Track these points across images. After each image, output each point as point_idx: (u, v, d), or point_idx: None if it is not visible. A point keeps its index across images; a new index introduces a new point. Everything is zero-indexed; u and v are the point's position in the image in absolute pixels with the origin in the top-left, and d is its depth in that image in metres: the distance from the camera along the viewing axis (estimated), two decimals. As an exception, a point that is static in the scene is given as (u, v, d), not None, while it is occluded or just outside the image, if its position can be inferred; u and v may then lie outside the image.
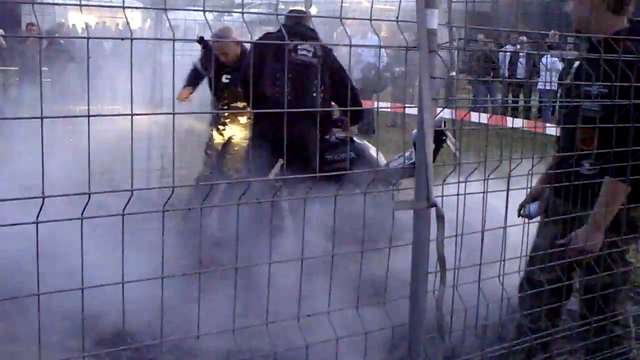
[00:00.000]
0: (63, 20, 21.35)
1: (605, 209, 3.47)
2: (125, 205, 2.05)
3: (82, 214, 2.00)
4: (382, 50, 12.76)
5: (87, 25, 2.86)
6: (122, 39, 1.99)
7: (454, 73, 2.46)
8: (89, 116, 1.99)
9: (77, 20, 22.87)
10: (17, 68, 16.24)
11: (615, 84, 3.26)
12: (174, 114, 2.14)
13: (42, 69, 15.95)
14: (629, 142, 3.32)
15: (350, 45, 2.56)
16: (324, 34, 17.78)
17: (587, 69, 3.49)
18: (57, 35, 15.93)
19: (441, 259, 2.49)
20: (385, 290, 2.65)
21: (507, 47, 13.15)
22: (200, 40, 6.24)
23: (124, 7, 2.04)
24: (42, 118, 1.91)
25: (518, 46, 13.37)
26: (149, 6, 11.69)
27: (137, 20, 22.51)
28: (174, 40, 2.05)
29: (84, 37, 2.07)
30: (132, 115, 2.04)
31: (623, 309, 3.76)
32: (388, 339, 2.70)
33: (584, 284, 3.66)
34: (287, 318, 2.58)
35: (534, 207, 4.10)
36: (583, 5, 3.60)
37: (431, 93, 2.43)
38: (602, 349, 3.64)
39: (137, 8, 12.53)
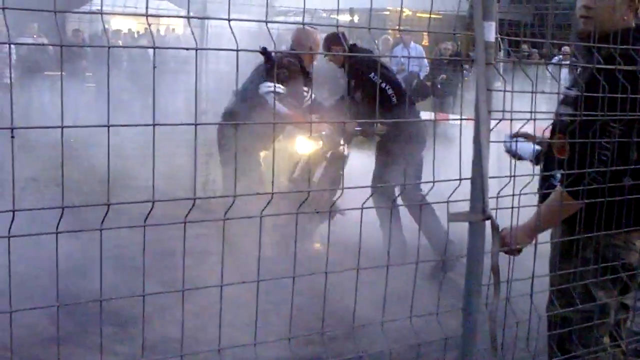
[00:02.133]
0: (107, 26, 21.58)
1: (543, 216, 3.09)
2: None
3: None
4: (425, 60, 12.76)
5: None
6: (187, 49, 2.02)
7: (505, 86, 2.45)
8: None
9: (121, 25, 23.14)
10: (63, 73, 16.44)
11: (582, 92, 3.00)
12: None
13: (87, 74, 16.19)
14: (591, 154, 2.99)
15: (409, 57, 2.57)
16: (367, 43, 17.81)
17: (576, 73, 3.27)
18: (77, 43, 16.06)
19: (495, 271, 2.49)
20: (438, 301, 2.65)
21: (556, 58, 12.95)
22: (264, 52, 6.10)
23: (188, 17, 2.07)
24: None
25: (560, 57, 13.23)
26: (192, 14, 11.79)
27: (179, 27, 22.71)
28: (237, 50, 2.07)
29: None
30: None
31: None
32: (441, 350, 2.69)
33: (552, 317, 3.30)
34: (339, 328, 2.60)
35: (526, 147, 3.59)
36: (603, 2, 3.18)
37: (488, 106, 2.43)
38: None
39: (183, 17, 12.63)
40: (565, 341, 3.27)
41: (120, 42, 19.95)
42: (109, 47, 2.11)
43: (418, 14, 21.78)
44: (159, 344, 4.48)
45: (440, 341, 2.64)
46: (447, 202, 2.49)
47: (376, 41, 15.94)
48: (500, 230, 2.78)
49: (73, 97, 13.55)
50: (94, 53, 15.84)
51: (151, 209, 2.03)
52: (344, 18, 23.00)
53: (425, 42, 17.94)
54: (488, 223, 2.48)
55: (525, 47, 14.62)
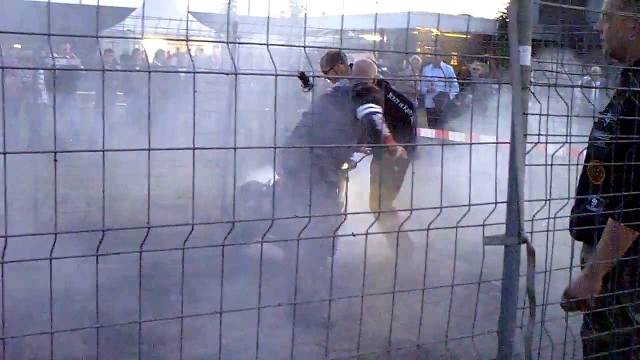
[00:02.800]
0: (137, 46, 21.79)
1: (604, 256, 3.06)
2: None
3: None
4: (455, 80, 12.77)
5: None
6: (227, 73, 2.05)
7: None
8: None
9: (152, 46, 23.34)
10: (94, 92, 16.64)
11: (620, 116, 2.96)
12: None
13: (118, 93, 16.35)
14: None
15: (446, 79, 2.58)
16: (396, 61, 17.85)
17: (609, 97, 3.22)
18: (79, 68, 16.22)
19: (531, 295, 2.49)
20: (473, 324, 2.65)
21: (584, 78, 12.82)
22: (302, 76, 6.18)
23: (228, 43, 2.10)
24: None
25: (588, 77, 13.11)
26: (224, 35, 11.85)
27: (208, 47, 22.87)
28: (275, 75, 2.10)
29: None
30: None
31: None
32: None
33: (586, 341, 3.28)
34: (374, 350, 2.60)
35: None
36: (618, 28, 3.19)
37: (523, 129, 2.44)
38: None
39: (210, 41, 12.71)
40: None
41: (153, 62, 20.09)
42: (149, 72, 2.14)
43: (446, 34, 21.82)
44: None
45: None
46: (483, 225, 2.49)
47: (405, 62, 15.99)
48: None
49: (105, 117, 13.68)
50: (126, 73, 16.00)
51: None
52: (374, 38, 23.10)
53: (454, 61, 17.95)
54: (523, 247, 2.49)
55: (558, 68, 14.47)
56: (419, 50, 19.99)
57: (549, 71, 2.98)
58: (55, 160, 1.99)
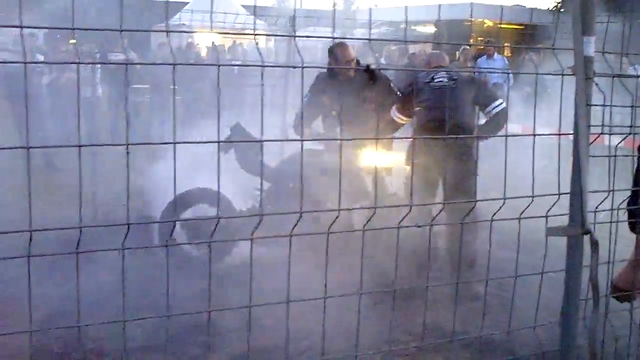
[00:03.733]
0: (190, 40, 21.97)
1: None
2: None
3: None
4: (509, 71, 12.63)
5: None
6: (294, 67, 2.09)
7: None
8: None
9: (204, 40, 23.49)
10: (147, 86, 16.80)
11: None
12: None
13: (174, 87, 16.49)
14: None
15: (508, 72, 2.59)
16: (448, 53, 17.70)
17: None
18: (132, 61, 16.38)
19: (595, 286, 2.48)
20: (536, 315, 2.65)
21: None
22: (367, 69, 6.23)
23: (254, 34, 2.13)
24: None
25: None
26: (278, 33, 11.90)
27: (261, 40, 22.96)
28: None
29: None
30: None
31: None
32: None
33: None
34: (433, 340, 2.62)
35: None
36: None
37: (587, 120, 2.43)
38: None
39: (267, 35, 12.77)
40: None
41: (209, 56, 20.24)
42: (218, 65, 2.19)
43: (499, 25, 21.61)
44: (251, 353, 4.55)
45: (537, 355, 2.64)
46: (546, 216, 2.49)
47: (457, 53, 15.89)
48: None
49: (159, 111, 13.88)
50: (180, 67, 16.12)
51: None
52: (427, 30, 23.01)
53: (508, 52, 17.81)
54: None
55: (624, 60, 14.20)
56: (471, 41, 19.85)
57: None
58: (128, 153, 2.05)
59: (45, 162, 11.10)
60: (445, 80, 6.23)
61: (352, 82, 6.64)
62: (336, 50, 6.65)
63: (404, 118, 6.52)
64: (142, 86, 16.76)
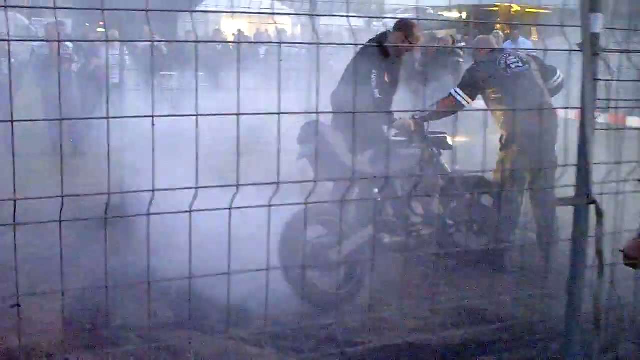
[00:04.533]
0: (217, 27, 22.10)
1: None
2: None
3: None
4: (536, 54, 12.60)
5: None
6: (310, 43, 2.20)
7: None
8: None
9: (231, 27, 23.59)
10: (175, 73, 16.96)
11: None
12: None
13: (199, 73, 16.67)
14: None
15: (520, 49, 2.68)
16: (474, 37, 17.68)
17: None
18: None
19: (600, 254, 2.58)
20: (540, 284, 2.76)
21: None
22: (380, 45, 6.16)
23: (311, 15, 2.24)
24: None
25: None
26: (298, 12, 11.96)
27: (288, 27, 23.04)
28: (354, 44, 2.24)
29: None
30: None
31: None
32: (545, 329, 2.80)
33: None
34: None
35: None
36: None
37: (593, 95, 2.52)
38: None
39: (287, 14, 12.88)
40: None
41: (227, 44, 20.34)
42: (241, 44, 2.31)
43: (527, 10, 21.52)
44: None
45: (545, 321, 2.75)
46: (553, 187, 2.59)
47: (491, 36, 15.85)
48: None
49: (186, 96, 14.01)
50: (206, 55, 16.26)
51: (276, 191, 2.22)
52: (453, 15, 22.96)
53: (535, 37, 17.75)
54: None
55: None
56: (498, 26, 19.80)
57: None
58: (153, 125, 2.18)
59: (73, 148, 11.25)
60: (521, 64, 6.32)
61: (403, 60, 6.70)
62: (409, 27, 6.63)
63: (469, 100, 6.49)
64: (169, 73, 16.92)
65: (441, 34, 16.58)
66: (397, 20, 6.68)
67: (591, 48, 2.51)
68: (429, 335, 3.47)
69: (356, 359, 3.62)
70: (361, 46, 6.24)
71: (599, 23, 2.52)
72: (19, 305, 2.09)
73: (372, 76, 6.28)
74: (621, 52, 2.66)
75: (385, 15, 19.92)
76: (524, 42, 13.78)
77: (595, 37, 2.53)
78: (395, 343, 3.44)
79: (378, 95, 6.02)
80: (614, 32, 2.76)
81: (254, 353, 4.09)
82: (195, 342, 3.89)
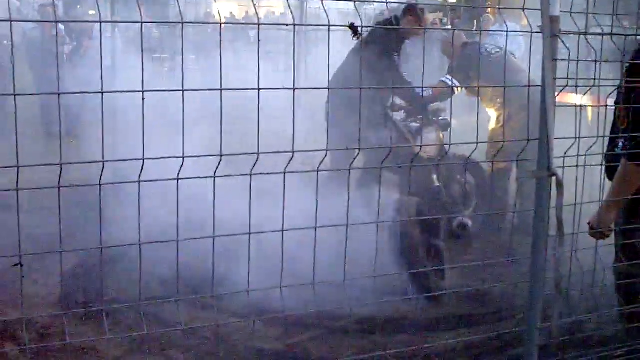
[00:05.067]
0: (209, 10, 22.20)
1: (615, 191, 3.40)
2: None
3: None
4: (521, 38, 12.79)
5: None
6: (287, 25, 2.37)
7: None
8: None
9: (221, 10, 23.69)
10: (167, 56, 17.09)
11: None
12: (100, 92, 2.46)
13: (191, 56, 16.81)
14: None
15: (481, 31, 2.87)
16: (464, 22, 17.88)
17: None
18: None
19: (560, 223, 2.77)
20: (508, 251, 2.95)
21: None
22: (352, 26, 6.26)
23: None
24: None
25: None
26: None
27: (279, 8, 23.14)
28: (329, 25, 2.42)
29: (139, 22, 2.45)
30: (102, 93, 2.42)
31: None
32: (510, 294, 3.00)
33: (617, 270, 3.59)
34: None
35: None
36: None
37: (553, 74, 2.71)
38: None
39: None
40: (631, 294, 3.53)
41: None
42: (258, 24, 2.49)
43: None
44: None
45: (509, 286, 2.95)
46: (517, 160, 2.78)
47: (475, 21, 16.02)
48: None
49: (178, 78, 14.12)
50: (197, 38, 16.38)
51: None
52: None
53: (525, 22, 17.79)
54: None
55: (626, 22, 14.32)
56: (489, 10, 19.92)
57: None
58: (143, 99, 2.37)
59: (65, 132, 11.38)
60: (498, 50, 6.54)
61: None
62: (419, 11, 6.83)
63: (458, 86, 6.67)
64: (162, 55, 17.04)
65: (429, 17, 16.74)
66: (405, 4, 6.87)
67: (550, 31, 2.69)
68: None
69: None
70: (369, 29, 6.40)
71: (557, 7, 2.70)
72: (21, 265, 2.28)
73: (395, 57, 6.44)
74: (580, 34, 2.85)
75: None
76: (512, 27, 13.94)
77: (554, 19, 2.71)
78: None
79: (408, 79, 6.22)
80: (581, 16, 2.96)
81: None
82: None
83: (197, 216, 3.33)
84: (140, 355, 4.65)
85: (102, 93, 2.24)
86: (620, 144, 3.46)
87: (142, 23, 2.53)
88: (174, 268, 2.67)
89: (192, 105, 2.65)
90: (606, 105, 3.22)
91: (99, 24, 2.42)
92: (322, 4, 2.49)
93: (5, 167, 2.17)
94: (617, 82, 3.44)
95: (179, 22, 2.43)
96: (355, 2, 2.65)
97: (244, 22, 21.26)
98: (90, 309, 5.02)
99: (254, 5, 2.53)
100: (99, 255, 2.62)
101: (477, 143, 2.84)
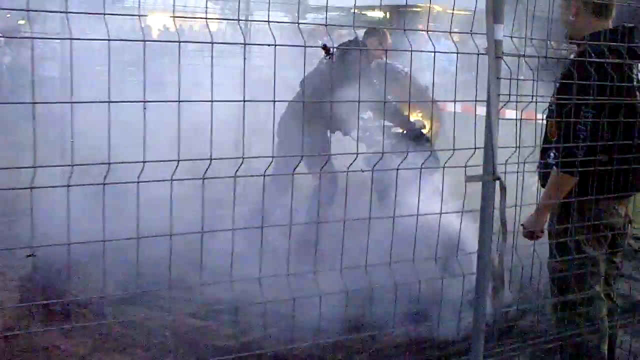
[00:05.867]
0: (144, 25, 22.15)
1: (546, 197, 3.90)
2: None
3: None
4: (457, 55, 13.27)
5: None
6: (240, 44, 2.70)
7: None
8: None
9: (156, 24, 23.66)
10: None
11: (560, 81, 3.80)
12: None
13: (130, 69, 16.88)
14: (573, 136, 3.71)
15: (435, 52, 3.24)
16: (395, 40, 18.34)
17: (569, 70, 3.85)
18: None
19: (503, 223, 3.14)
20: (457, 247, 3.32)
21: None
22: (324, 47, 6.27)
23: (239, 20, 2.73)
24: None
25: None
26: (230, 16, 12.32)
27: (213, 23, 23.15)
28: (275, 45, 2.75)
29: (175, 41, 2.75)
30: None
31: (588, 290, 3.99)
32: (459, 285, 3.36)
33: (550, 267, 4.05)
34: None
35: None
36: (568, 10, 3.98)
37: (497, 91, 3.09)
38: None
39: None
40: (564, 289, 3.95)
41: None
42: (179, 42, 2.79)
43: (448, 11, 22.17)
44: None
45: (459, 278, 3.31)
46: (465, 166, 3.14)
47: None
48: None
49: (119, 90, 14.22)
50: (136, 50, 16.41)
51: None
52: (376, 15, 23.62)
53: (457, 38, 18.38)
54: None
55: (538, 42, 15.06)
56: (420, 27, 20.33)
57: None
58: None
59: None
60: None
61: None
62: (383, 34, 7.08)
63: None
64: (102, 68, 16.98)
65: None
66: (368, 27, 7.16)
67: (495, 52, 3.08)
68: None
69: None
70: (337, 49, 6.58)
71: (501, 32, 3.09)
72: (34, 255, 2.55)
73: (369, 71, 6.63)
74: (519, 56, 3.24)
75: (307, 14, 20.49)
76: (444, 43, 14.52)
77: (498, 43, 3.10)
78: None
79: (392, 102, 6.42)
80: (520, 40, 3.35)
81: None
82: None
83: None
84: (104, 353, 4.88)
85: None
86: (552, 154, 3.92)
87: (70, 39, 2.71)
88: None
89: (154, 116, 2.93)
90: (540, 119, 3.65)
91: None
92: (269, 25, 2.81)
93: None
94: (549, 99, 3.87)
95: (105, 39, 2.59)
96: (299, 24, 2.97)
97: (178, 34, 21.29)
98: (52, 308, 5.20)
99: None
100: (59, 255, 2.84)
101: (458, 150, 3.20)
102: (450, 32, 3.17)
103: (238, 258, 2.98)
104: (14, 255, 5.66)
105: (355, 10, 21.56)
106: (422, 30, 3.25)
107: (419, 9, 23.46)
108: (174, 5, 2.83)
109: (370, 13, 25.08)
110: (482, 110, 3.21)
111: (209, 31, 2.79)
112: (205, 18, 2.92)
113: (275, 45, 2.81)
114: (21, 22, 18.61)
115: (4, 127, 9.86)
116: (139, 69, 15.08)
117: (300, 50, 2.92)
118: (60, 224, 2.74)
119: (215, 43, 2.73)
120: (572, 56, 4.12)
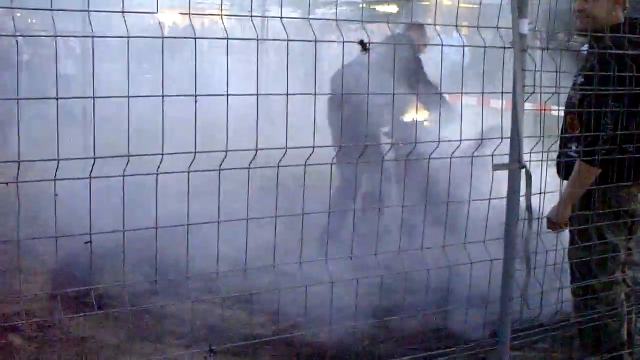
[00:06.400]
0: (152, 22, 22.29)
1: (570, 188, 4.00)
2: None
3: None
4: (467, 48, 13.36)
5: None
6: (253, 39, 2.82)
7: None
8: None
9: (165, 20, 23.76)
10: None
11: (582, 73, 3.91)
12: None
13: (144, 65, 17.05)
14: (600, 127, 3.82)
15: (455, 46, 3.37)
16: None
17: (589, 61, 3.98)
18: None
19: (529, 209, 3.27)
20: (485, 232, 3.45)
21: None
22: (361, 42, 6.28)
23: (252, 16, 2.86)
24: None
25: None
26: (238, 11, 12.44)
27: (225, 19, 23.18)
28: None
29: (191, 37, 2.88)
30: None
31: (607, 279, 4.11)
32: (487, 269, 3.50)
33: (571, 256, 4.16)
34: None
35: None
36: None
37: (522, 82, 3.22)
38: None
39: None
40: (585, 275, 4.08)
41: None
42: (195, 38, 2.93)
43: (460, 5, 22.09)
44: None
45: (486, 263, 3.45)
46: (492, 155, 3.28)
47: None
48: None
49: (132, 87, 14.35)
50: (150, 46, 16.56)
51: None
52: (386, 9, 23.63)
53: (465, 31, 18.43)
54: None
55: (561, 35, 15.09)
56: (429, 20, 20.33)
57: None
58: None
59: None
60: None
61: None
62: (422, 29, 7.17)
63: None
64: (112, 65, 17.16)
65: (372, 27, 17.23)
66: (407, 23, 7.30)
67: (520, 46, 3.21)
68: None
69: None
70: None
71: (526, 26, 3.22)
72: (90, 242, 2.67)
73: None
74: (542, 49, 3.38)
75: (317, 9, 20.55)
76: (457, 38, 14.62)
77: (523, 37, 3.23)
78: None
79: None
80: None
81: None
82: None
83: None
84: (138, 343, 5.04)
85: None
86: (574, 147, 4.06)
87: (92, 37, 2.80)
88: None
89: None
90: (549, 109, 3.80)
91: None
92: (281, 21, 2.93)
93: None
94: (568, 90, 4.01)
95: (122, 37, 2.68)
96: (309, 19, 3.10)
97: (244, 37, 21.41)
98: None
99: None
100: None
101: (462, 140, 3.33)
102: (477, 27, 3.29)
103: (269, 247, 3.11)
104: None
105: (365, 5, 21.64)
106: (446, 25, 3.38)
107: (427, 2, 23.50)
108: (189, 2, 2.88)
109: (380, 7, 25.07)
110: (496, 103, 3.34)
111: (224, 27, 2.89)
112: (221, 15, 3.05)
113: (288, 41, 2.94)
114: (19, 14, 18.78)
115: (26, 124, 9.98)
116: (151, 65, 15.30)
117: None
118: (81, 215, 2.88)
119: (230, 39, 2.84)
120: (584, 47, 4.24)
